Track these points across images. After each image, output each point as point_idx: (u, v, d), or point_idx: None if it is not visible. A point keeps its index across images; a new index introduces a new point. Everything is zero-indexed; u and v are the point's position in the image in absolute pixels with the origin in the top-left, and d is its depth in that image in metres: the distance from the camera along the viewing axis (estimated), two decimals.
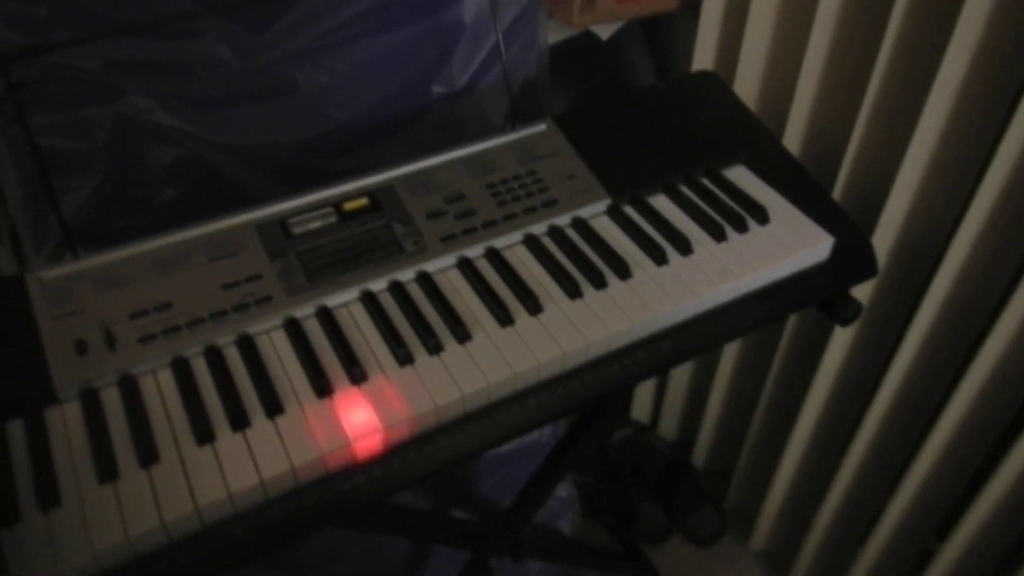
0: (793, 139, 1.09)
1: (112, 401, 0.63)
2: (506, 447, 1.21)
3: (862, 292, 1.08)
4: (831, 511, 1.29)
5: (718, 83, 0.96)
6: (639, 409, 1.66)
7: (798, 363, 1.26)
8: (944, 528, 1.11)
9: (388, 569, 1.17)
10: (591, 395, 0.70)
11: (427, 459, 0.64)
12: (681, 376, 1.55)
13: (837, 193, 1.05)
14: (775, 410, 1.35)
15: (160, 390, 0.65)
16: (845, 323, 0.82)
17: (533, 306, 0.71)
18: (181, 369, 0.65)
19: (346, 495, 0.62)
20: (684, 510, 1.51)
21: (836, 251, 0.80)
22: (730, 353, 1.39)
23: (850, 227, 0.81)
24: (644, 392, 1.64)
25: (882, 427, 1.15)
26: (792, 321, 1.24)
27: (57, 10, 0.78)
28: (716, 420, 1.51)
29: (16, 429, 0.61)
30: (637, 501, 1.51)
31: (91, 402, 0.63)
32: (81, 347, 0.65)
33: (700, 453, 1.58)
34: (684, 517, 1.52)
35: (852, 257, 0.81)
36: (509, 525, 1.08)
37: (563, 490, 1.31)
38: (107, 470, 0.58)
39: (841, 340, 1.14)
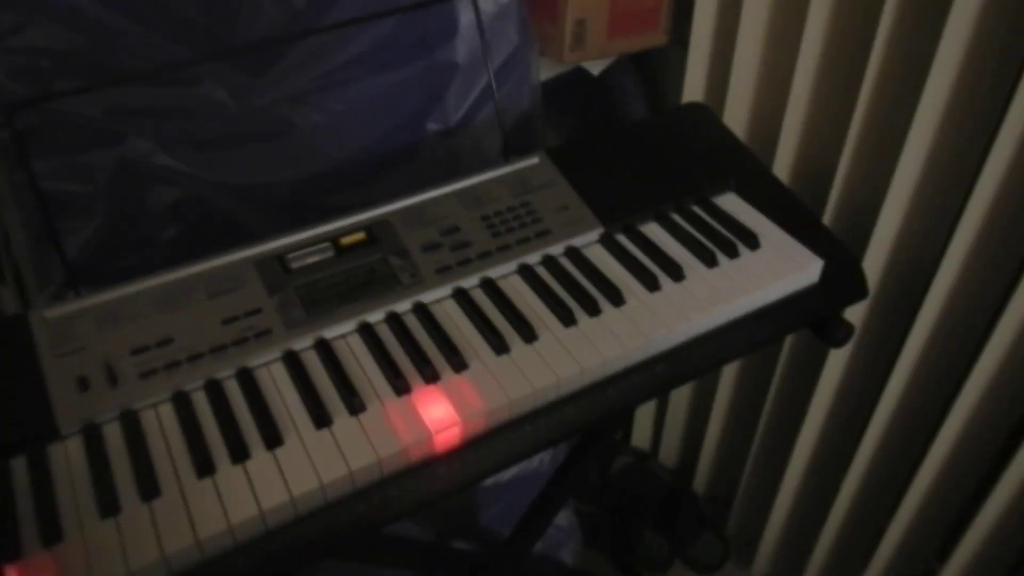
0: (783, 166, 1.11)
1: (114, 436, 0.64)
2: (506, 476, 1.21)
3: (855, 313, 1.09)
4: (832, 534, 1.28)
5: (708, 114, 0.98)
6: (639, 436, 1.66)
7: (795, 386, 1.26)
8: (945, 549, 1.11)
9: None
10: (588, 420, 0.70)
11: (425, 487, 0.65)
12: (680, 403, 1.55)
13: (827, 217, 1.07)
14: (774, 434, 1.35)
15: (161, 424, 0.65)
16: (838, 344, 0.83)
17: (528, 334, 0.72)
18: (182, 403, 0.66)
19: (345, 525, 0.62)
20: (686, 537, 1.51)
21: (826, 274, 0.81)
22: (728, 378, 1.39)
23: (840, 250, 0.83)
24: (644, 419, 1.64)
25: (880, 448, 1.15)
26: (788, 344, 1.25)
27: (59, 61, 0.80)
28: (716, 446, 1.51)
29: (19, 465, 0.62)
30: (639, 529, 1.50)
31: (93, 437, 0.64)
32: (83, 384, 0.66)
33: (701, 479, 1.58)
34: (686, 544, 1.51)
35: (842, 279, 0.82)
36: (510, 554, 1.08)
37: (564, 519, 1.31)
38: (109, 505, 0.59)
39: (837, 362, 1.15)
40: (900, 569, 1.21)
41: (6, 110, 0.68)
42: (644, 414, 1.64)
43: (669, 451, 1.64)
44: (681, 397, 1.55)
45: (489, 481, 1.22)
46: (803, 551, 1.36)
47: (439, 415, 0.66)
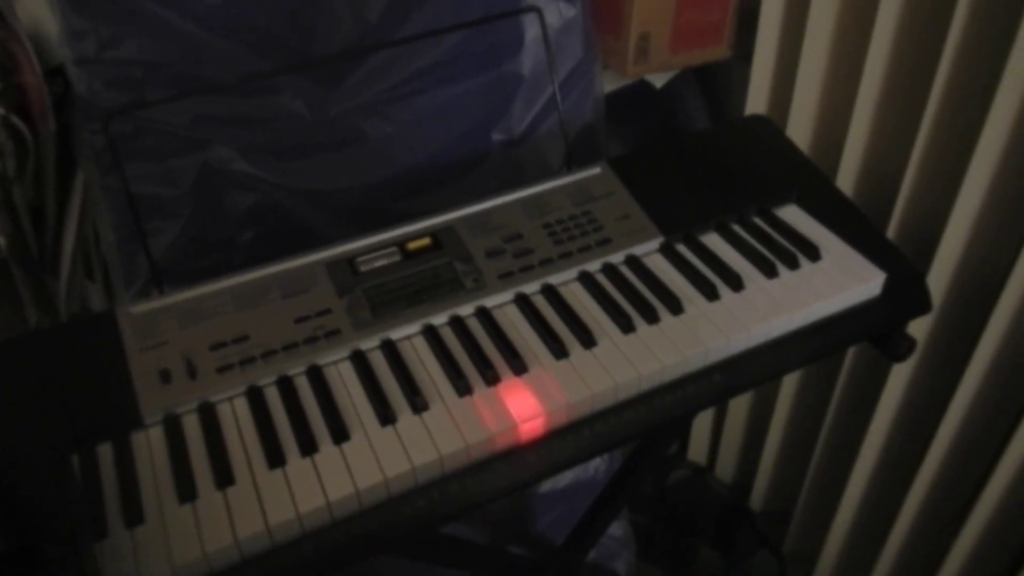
0: (846, 179, 1.10)
1: (192, 427, 0.68)
2: (562, 483, 1.22)
3: (920, 328, 1.08)
4: (893, 554, 1.25)
5: (770, 126, 0.98)
6: (696, 450, 1.65)
7: (856, 401, 1.24)
8: (1012, 571, 1.07)
9: None
10: (645, 426, 0.71)
11: (484, 485, 0.67)
12: (738, 417, 1.54)
13: (891, 231, 1.06)
14: (834, 450, 1.33)
15: (236, 416, 0.69)
16: (900, 359, 0.82)
17: (588, 339, 0.74)
18: (255, 397, 0.70)
19: (406, 519, 0.65)
20: (742, 554, 1.49)
21: (889, 287, 0.80)
22: (787, 392, 1.38)
23: (903, 263, 0.82)
24: (701, 433, 1.63)
25: (944, 465, 1.13)
26: (849, 358, 1.23)
27: (150, 72, 0.85)
28: (774, 461, 1.49)
29: (106, 452, 0.66)
30: (694, 544, 1.49)
31: (173, 428, 0.67)
32: (165, 376, 0.70)
33: (758, 495, 1.56)
34: (742, 561, 1.49)
35: (905, 293, 0.81)
36: (564, 561, 1.09)
37: (619, 529, 1.31)
38: (187, 491, 0.63)
39: (900, 377, 1.13)
40: None
41: (103, 117, 0.73)
42: (701, 427, 1.63)
43: (726, 465, 1.63)
44: (739, 411, 1.53)
45: (545, 488, 1.23)
46: (862, 571, 1.33)
47: (500, 416, 0.68)
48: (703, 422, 1.62)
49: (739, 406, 1.53)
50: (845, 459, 1.28)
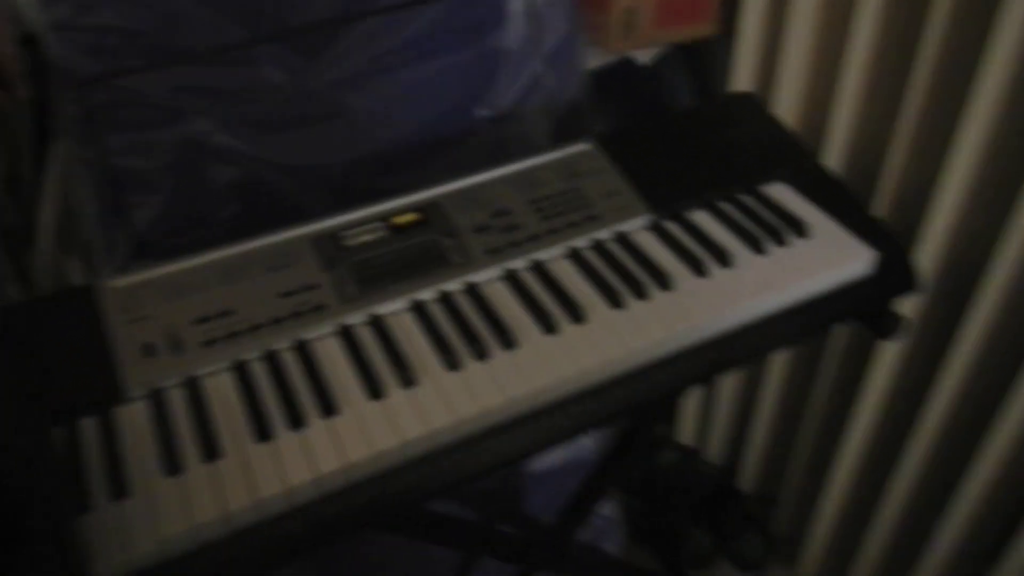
0: (832, 156, 1.10)
1: (177, 401, 0.67)
2: (552, 463, 1.23)
3: (907, 307, 1.08)
4: (880, 536, 1.27)
5: (756, 103, 0.98)
6: (684, 432, 1.66)
7: (844, 382, 1.25)
8: (996, 551, 1.09)
9: None
10: (636, 402, 0.71)
11: (473, 461, 0.66)
12: (726, 399, 1.55)
13: (877, 208, 1.06)
14: (822, 432, 1.34)
15: (222, 391, 0.68)
16: (888, 337, 0.83)
17: (577, 315, 0.73)
18: (242, 372, 0.69)
19: (395, 494, 0.64)
20: (730, 534, 1.50)
21: (877, 265, 0.81)
22: (775, 374, 1.39)
23: (890, 241, 0.82)
24: (689, 416, 1.64)
25: (931, 447, 1.14)
26: (837, 339, 1.24)
27: (127, 40, 0.83)
28: (762, 443, 1.50)
29: (88, 426, 0.65)
30: (683, 525, 1.50)
31: (158, 402, 0.66)
32: (149, 350, 0.69)
33: (746, 477, 1.57)
34: (730, 541, 1.51)
35: (893, 271, 0.82)
36: (554, 540, 1.09)
37: (609, 509, 1.32)
38: (173, 464, 0.62)
39: (887, 357, 1.14)
40: (950, 573, 1.20)
41: (79, 85, 0.71)
42: (689, 409, 1.64)
43: (715, 447, 1.64)
44: (727, 392, 1.54)
45: (534, 467, 1.23)
46: (849, 551, 1.35)
47: (490, 390, 0.67)
48: (691, 404, 1.63)
49: (727, 388, 1.54)
50: (832, 440, 1.30)
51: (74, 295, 0.73)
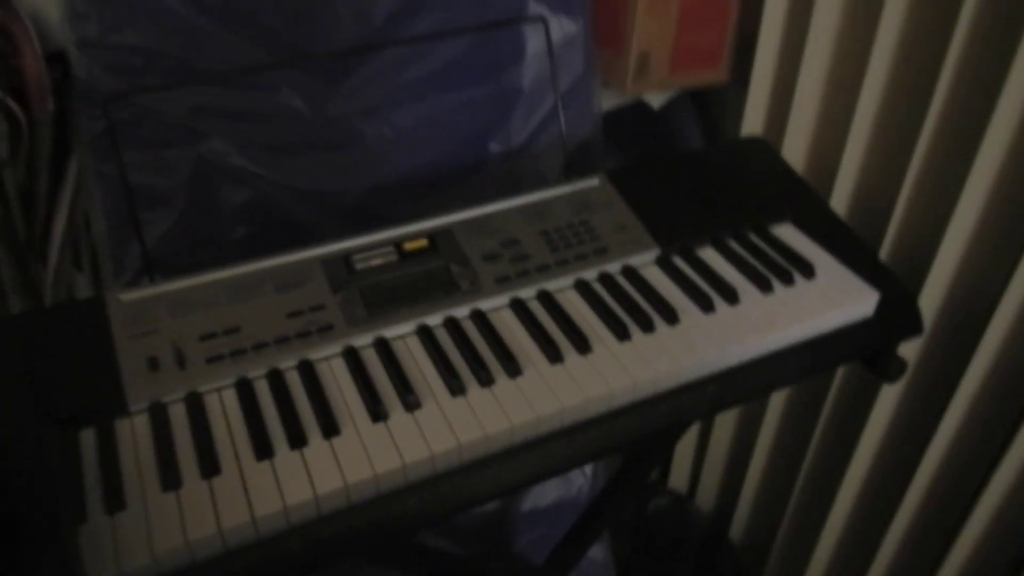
0: (840, 201, 1.11)
1: (179, 416, 0.67)
2: (545, 502, 1.21)
3: (909, 352, 1.08)
4: None
5: (766, 147, 0.99)
6: (677, 477, 1.64)
7: (841, 431, 1.24)
8: None
9: None
10: (638, 434, 0.71)
11: (473, 487, 0.66)
12: (721, 445, 1.53)
13: (884, 253, 1.07)
14: (816, 481, 1.33)
15: (224, 408, 0.68)
16: (891, 380, 0.82)
17: (583, 346, 0.73)
18: (245, 389, 0.69)
19: (395, 518, 0.63)
20: None
21: (881, 307, 0.81)
22: (771, 420, 1.38)
23: (896, 285, 0.83)
24: (682, 461, 1.62)
25: (928, 497, 1.13)
26: (834, 386, 1.23)
27: (151, 60, 0.85)
28: (756, 491, 1.48)
29: (88, 437, 0.65)
30: (673, 572, 1.48)
31: (159, 415, 0.66)
32: (153, 364, 0.69)
33: (738, 526, 1.55)
34: None
35: (897, 314, 0.82)
36: None
37: (599, 552, 1.30)
38: (171, 479, 0.61)
39: (887, 404, 1.13)
40: None
41: (103, 100, 0.72)
42: (683, 455, 1.62)
43: (707, 495, 1.62)
44: (722, 438, 1.53)
45: (527, 506, 1.22)
46: None
47: (493, 417, 0.67)
48: (685, 449, 1.61)
49: (722, 433, 1.53)
50: (827, 490, 1.28)
51: (82, 307, 0.73)
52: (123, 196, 0.78)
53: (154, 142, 0.86)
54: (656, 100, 1.26)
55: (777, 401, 1.37)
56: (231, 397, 0.68)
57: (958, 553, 1.09)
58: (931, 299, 1.02)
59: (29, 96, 0.84)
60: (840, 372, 1.22)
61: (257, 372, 0.70)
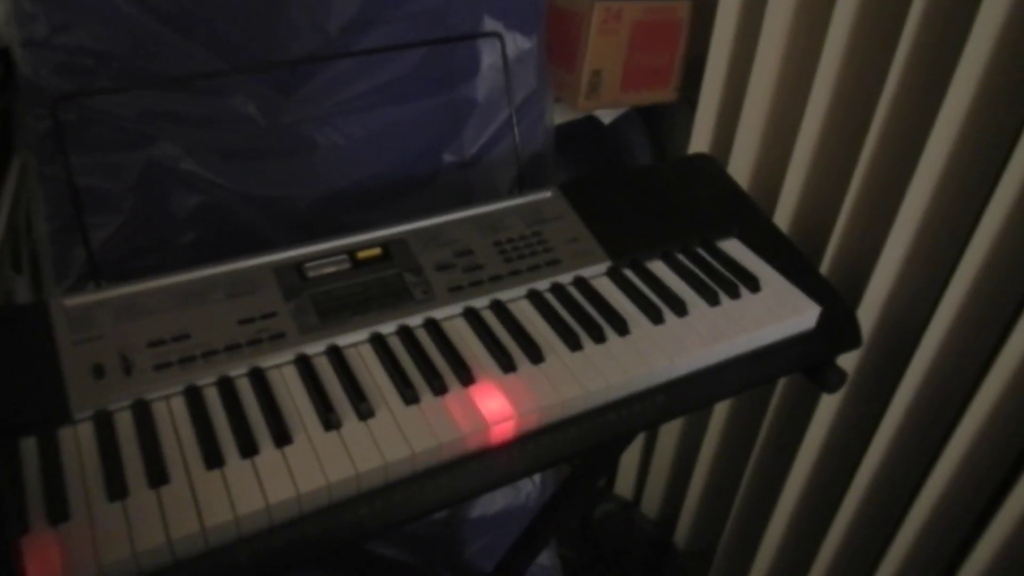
0: (783, 217, 1.15)
1: (125, 424, 0.65)
2: (493, 510, 1.21)
3: (847, 363, 1.12)
4: None
5: (713, 164, 1.02)
6: (623, 485, 1.67)
7: (782, 440, 1.28)
8: None
9: None
10: (588, 443, 0.72)
11: (428, 496, 0.66)
12: (665, 452, 1.56)
13: (824, 268, 1.11)
14: (758, 488, 1.36)
15: (172, 416, 0.66)
16: (831, 390, 0.85)
17: (535, 355, 0.74)
18: (194, 397, 0.67)
19: (347, 527, 0.63)
20: None
21: (822, 320, 0.84)
22: (715, 429, 1.41)
23: (836, 299, 0.86)
24: (628, 468, 1.65)
25: (864, 503, 1.17)
26: (777, 395, 1.27)
27: (101, 61, 0.83)
28: (699, 498, 1.51)
29: (29, 446, 0.63)
30: None
31: (104, 424, 0.65)
32: (98, 372, 0.67)
33: (682, 532, 1.58)
34: None
35: (838, 327, 0.85)
36: None
37: (547, 559, 1.31)
38: (117, 489, 0.60)
39: (826, 413, 1.17)
40: None
41: (51, 101, 0.71)
42: (628, 462, 1.64)
43: (652, 501, 1.65)
44: (666, 446, 1.56)
45: (475, 514, 1.22)
46: None
47: (446, 426, 0.67)
48: (631, 457, 1.64)
49: (667, 441, 1.55)
50: (769, 497, 1.31)
51: (24, 311, 0.72)
52: (68, 198, 0.76)
53: (102, 145, 0.84)
54: (607, 116, 1.28)
55: (720, 410, 1.40)
56: (180, 405, 0.67)
57: (894, 555, 1.13)
58: (868, 312, 1.06)
59: None
60: (781, 382, 1.26)
61: (207, 380, 0.69)
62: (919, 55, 0.94)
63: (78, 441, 0.64)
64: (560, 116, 1.22)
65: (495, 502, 1.22)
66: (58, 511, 0.58)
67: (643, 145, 1.38)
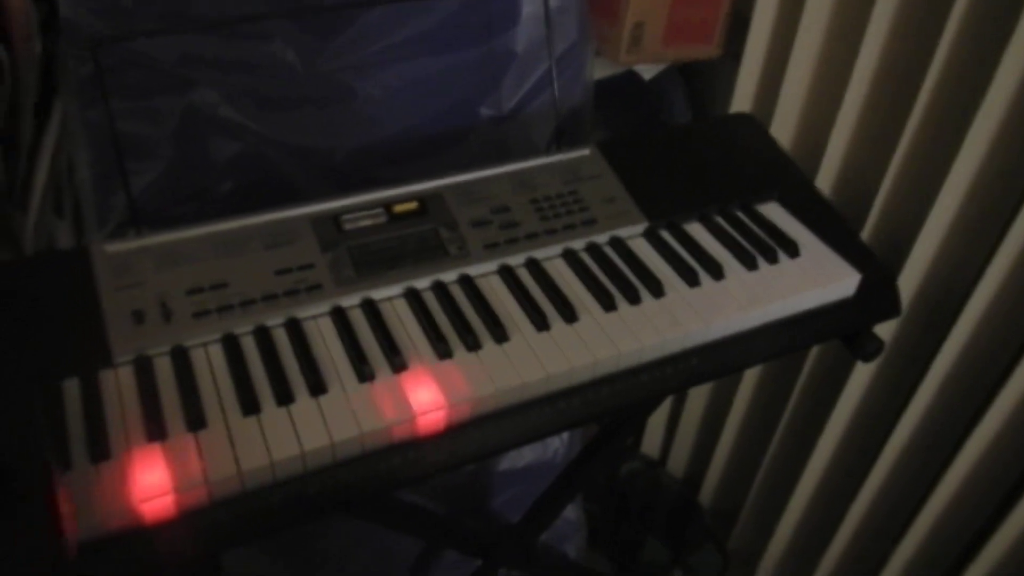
0: (826, 180, 1.12)
1: (164, 369, 0.66)
2: (521, 463, 1.23)
3: (884, 333, 1.10)
4: (835, 557, 1.29)
5: (755, 124, 1.00)
6: (649, 444, 1.67)
7: (813, 405, 1.27)
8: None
9: (397, 573, 1.18)
10: (619, 403, 0.72)
11: (459, 449, 0.67)
12: (693, 414, 1.56)
13: (866, 234, 1.09)
14: (786, 452, 1.36)
15: (211, 363, 0.68)
16: (867, 359, 0.84)
17: (569, 315, 0.74)
18: (231, 345, 0.68)
19: (379, 476, 0.64)
20: (688, 548, 1.52)
21: (862, 288, 0.82)
22: (745, 391, 1.40)
23: (877, 266, 0.84)
24: (655, 428, 1.65)
25: (892, 474, 1.16)
26: (810, 361, 1.26)
27: (141, 3, 0.83)
28: (726, 460, 1.52)
29: (72, 387, 0.64)
30: (642, 535, 1.51)
31: (144, 368, 0.66)
32: (138, 317, 0.68)
33: (707, 492, 1.59)
34: (687, 554, 1.52)
35: (877, 295, 0.84)
36: (518, 538, 1.10)
37: (572, 513, 1.32)
38: (156, 430, 0.61)
39: (859, 382, 1.16)
40: None
41: (92, 44, 0.71)
42: (656, 422, 1.65)
43: (678, 461, 1.65)
44: (695, 407, 1.56)
45: (503, 466, 1.24)
46: (803, 573, 1.36)
47: (479, 381, 0.68)
48: (658, 417, 1.64)
49: (695, 403, 1.55)
50: (796, 462, 1.31)
51: (66, 257, 0.73)
52: (109, 144, 0.76)
53: (142, 89, 0.84)
54: (647, 72, 1.26)
55: (751, 373, 1.39)
56: (217, 352, 0.68)
57: (919, 528, 1.13)
58: (909, 281, 1.04)
59: (12, 35, 0.82)
60: (815, 348, 1.25)
61: (244, 328, 0.70)
62: (975, 14, 0.90)
63: (119, 384, 0.65)
64: (600, 71, 1.20)
65: (523, 456, 1.23)
66: (100, 450, 0.60)
67: (683, 103, 1.35)
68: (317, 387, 0.66)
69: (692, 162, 0.93)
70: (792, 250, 0.83)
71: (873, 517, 1.23)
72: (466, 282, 0.77)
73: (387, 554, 1.17)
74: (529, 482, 1.23)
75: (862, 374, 1.16)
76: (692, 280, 0.79)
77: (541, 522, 1.11)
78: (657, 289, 0.77)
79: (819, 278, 0.81)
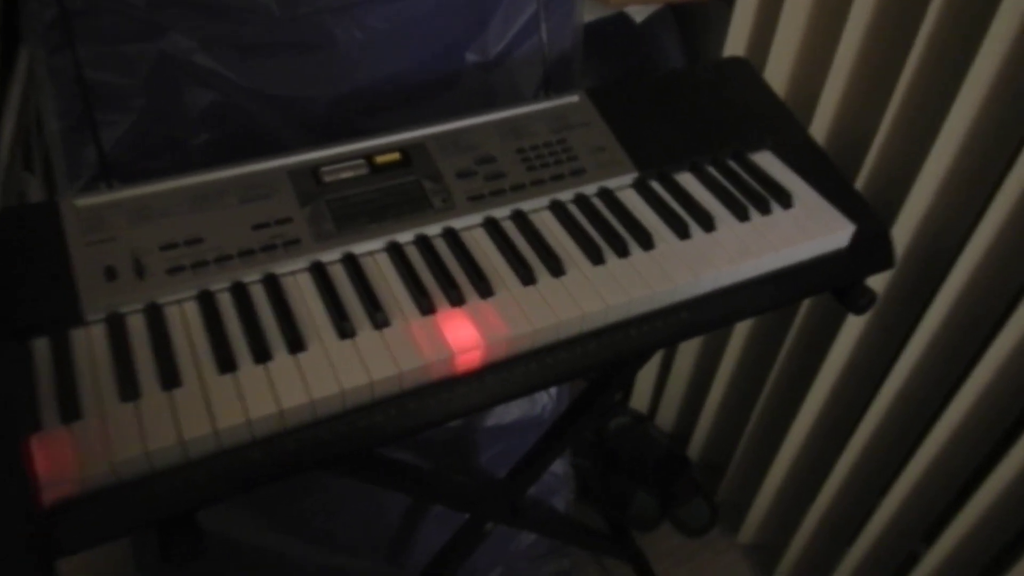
0: (820, 129, 1.09)
1: (137, 327, 0.65)
2: (508, 419, 1.22)
3: (876, 285, 1.09)
4: (821, 510, 1.30)
5: (749, 69, 0.97)
6: (638, 399, 1.67)
7: (802, 359, 1.26)
8: (932, 532, 1.12)
9: (383, 531, 1.18)
10: (607, 357, 0.71)
11: (443, 406, 0.65)
12: (682, 368, 1.56)
13: (860, 184, 1.06)
14: (775, 406, 1.36)
15: (186, 321, 0.66)
16: (859, 312, 0.83)
17: (556, 268, 0.72)
18: (207, 302, 0.66)
19: (361, 433, 0.63)
20: (676, 500, 1.53)
21: (855, 240, 0.81)
22: (734, 346, 1.39)
23: (871, 217, 0.82)
24: (644, 383, 1.65)
25: (880, 428, 1.16)
26: (800, 316, 1.25)
27: None
28: (714, 414, 1.52)
29: (42, 346, 0.62)
30: (631, 488, 1.52)
31: (117, 326, 0.64)
32: (111, 274, 0.66)
33: (696, 446, 1.59)
34: (676, 507, 1.53)
35: (871, 247, 0.82)
36: (506, 493, 1.09)
37: (560, 467, 1.32)
38: (129, 389, 0.60)
39: (849, 336, 1.15)
40: (885, 549, 1.23)
41: None
42: (645, 377, 1.64)
43: (667, 415, 1.65)
44: (684, 362, 1.55)
45: (490, 422, 1.23)
46: (790, 524, 1.37)
47: (462, 336, 0.66)
48: (647, 372, 1.63)
49: (684, 358, 1.55)
50: (785, 415, 1.31)
51: (35, 211, 0.70)
52: (78, 94, 0.73)
53: (112, 35, 0.80)
54: (639, 14, 1.22)
55: (741, 326, 1.38)
56: (193, 309, 0.66)
57: (905, 481, 1.13)
58: (902, 232, 1.02)
59: None
60: (805, 301, 1.23)
61: (220, 285, 0.68)
62: None
63: (90, 342, 0.63)
64: (589, 13, 1.16)
65: (510, 412, 1.22)
66: (70, 410, 0.58)
67: (675, 47, 1.31)
68: (295, 344, 0.64)
69: (684, 109, 0.90)
70: (785, 200, 0.81)
71: (861, 470, 1.23)
72: (450, 235, 0.74)
73: (374, 510, 1.17)
74: (517, 438, 1.22)
75: (854, 326, 1.14)
76: (682, 232, 0.77)
77: (528, 477, 1.10)
78: (647, 241, 0.75)
79: (812, 229, 0.79)
